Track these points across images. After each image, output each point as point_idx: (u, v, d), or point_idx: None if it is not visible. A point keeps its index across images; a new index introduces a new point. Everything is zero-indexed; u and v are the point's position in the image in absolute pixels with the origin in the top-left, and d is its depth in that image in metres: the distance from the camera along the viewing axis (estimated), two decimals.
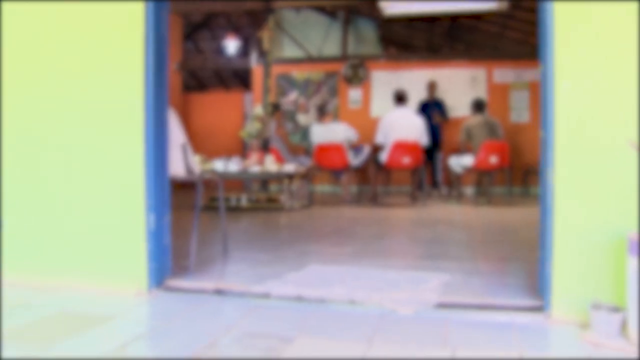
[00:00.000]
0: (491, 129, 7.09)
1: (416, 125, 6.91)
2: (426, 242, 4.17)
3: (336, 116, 11.02)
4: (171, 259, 2.93)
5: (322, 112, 7.26)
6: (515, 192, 10.17)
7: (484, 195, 7.53)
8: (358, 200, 7.61)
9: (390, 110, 7.22)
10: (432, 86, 9.69)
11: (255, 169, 6.55)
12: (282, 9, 12.73)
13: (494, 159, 6.94)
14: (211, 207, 6.62)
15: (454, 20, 10.38)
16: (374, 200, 7.26)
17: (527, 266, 3.19)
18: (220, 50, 13.11)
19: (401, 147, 6.75)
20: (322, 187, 10.80)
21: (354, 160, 7.31)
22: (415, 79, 10.22)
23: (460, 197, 7.41)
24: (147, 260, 2.74)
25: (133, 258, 2.78)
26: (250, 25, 12.81)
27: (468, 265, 3.33)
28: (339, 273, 3.06)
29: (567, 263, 2.39)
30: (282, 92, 11.35)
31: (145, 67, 2.80)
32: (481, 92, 10.58)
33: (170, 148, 3.10)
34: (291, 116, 11.22)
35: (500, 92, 10.57)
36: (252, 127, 6.93)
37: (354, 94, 11.08)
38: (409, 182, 8.08)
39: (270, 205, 6.61)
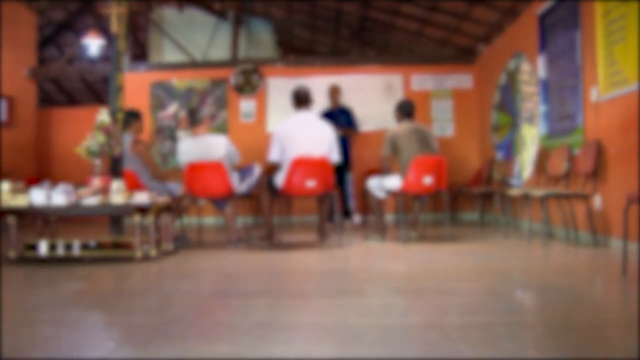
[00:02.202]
0: (423, 140, 5.36)
1: (324, 135, 5.06)
2: (356, 339, 2.26)
3: (224, 131, 9.00)
4: None
5: (193, 120, 5.23)
6: (440, 219, 8.55)
7: (413, 226, 5.76)
8: (248, 239, 5.62)
9: (288, 116, 5.32)
10: (334, 91, 7.90)
11: (92, 200, 4.44)
12: (163, 8, 10.65)
13: (428, 180, 5.19)
14: (28, 258, 4.44)
15: (364, 18, 8.71)
16: (269, 239, 5.31)
17: None
18: (85, 55, 10.78)
19: (304, 166, 4.85)
20: (209, 220, 8.71)
21: (240, 185, 5.34)
22: (319, 87, 8.45)
23: (383, 231, 5.59)
24: None
25: None
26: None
27: None
28: None
29: None
30: (160, 104, 9.22)
31: None
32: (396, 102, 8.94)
33: None
34: (170, 133, 9.10)
35: (420, 101, 8.99)
36: (94, 141, 4.81)
37: (247, 105, 9.14)
38: (315, 210, 6.18)
39: (116, 253, 4.49)
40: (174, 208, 5.48)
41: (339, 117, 7.45)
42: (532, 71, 6.65)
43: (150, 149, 6.15)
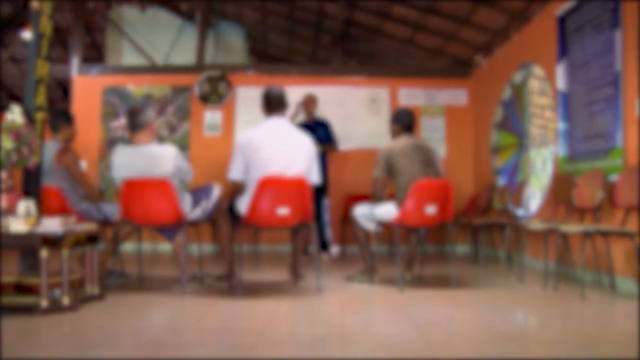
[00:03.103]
0: (426, 160, 4.29)
1: (301, 149, 3.93)
2: None
3: (185, 146, 7.86)
4: None
5: (133, 124, 4.04)
6: (430, 251, 7.48)
7: (408, 265, 4.67)
8: (203, 277, 4.47)
9: (256, 124, 4.21)
10: (309, 101, 6.80)
11: None
12: (123, 6, 9.52)
13: (431, 209, 4.12)
14: None
15: (349, 22, 7.69)
16: (229, 279, 4.17)
17: None
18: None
19: (274, 189, 3.72)
20: (165, 247, 7.50)
21: (194, 210, 4.19)
22: (296, 99, 7.41)
23: (372, 271, 4.48)
24: None
25: None
26: (78, 23, 9.39)
27: None
28: None
29: None
30: (112, 112, 8.04)
31: None
32: (382, 118, 7.93)
33: None
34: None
35: None
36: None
37: (212, 116, 8.02)
38: (287, 239, 5.02)
39: (16, 300, 3.30)
40: (111, 237, 4.33)
41: (316, 131, 6.35)
42: (547, 83, 5.67)
43: (100, 163, 4.97)
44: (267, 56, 10.30)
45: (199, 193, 4.28)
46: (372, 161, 8.01)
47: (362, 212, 4.41)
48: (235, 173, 3.91)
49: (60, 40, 10.08)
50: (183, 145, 7.86)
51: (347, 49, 8.44)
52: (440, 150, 7.95)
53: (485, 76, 7.46)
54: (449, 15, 6.59)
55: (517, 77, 6.48)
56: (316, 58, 9.60)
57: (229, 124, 7.95)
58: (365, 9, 7.23)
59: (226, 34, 9.44)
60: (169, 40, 9.03)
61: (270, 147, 3.79)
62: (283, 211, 3.73)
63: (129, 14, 9.41)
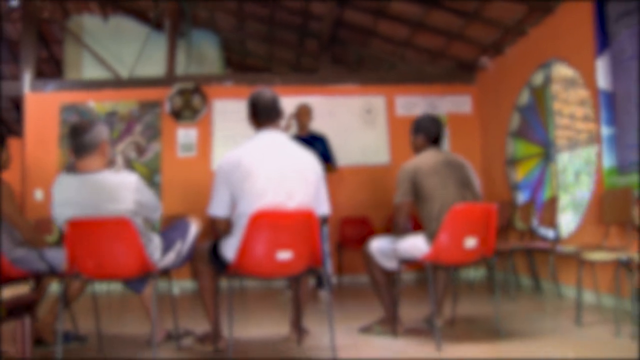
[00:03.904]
0: (461, 179, 3.37)
1: (305, 170, 2.95)
2: None
3: (156, 169, 6.89)
4: None
5: (79, 147, 3.01)
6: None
7: (438, 307, 3.71)
8: (180, 336, 3.50)
9: (241, 142, 3.26)
10: (304, 113, 5.80)
11: None
12: (83, 15, 8.54)
13: (471, 242, 3.20)
14: None
15: (339, 23, 6.81)
16: (213, 341, 3.20)
17: None
18: None
19: (272, 226, 2.76)
20: None
21: (164, 256, 3.21)
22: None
23: (395, 321, 3.53)
24: None
25: None
26: (29, 33, 8.39)
27: None
28: None
29: None
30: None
31: None
32: (378, 130, 7.06)
33: None
34: None
35: (406, 129, 7.10)
36: None
37: (186, 135, 7.06)
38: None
39: None
40: (59, 293, 3.36)
41: (312, 147, 5.40)
42: (579, 82, 4.84)
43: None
44: (245, 67, 9.38)
45: (171, 232, 3.30)
46: (369, 180, 7.19)
47: (381, 248, 3.48)
48: (218, 208, 2.93)
49: (11, 54, 9.04)
50: (153, 169, 6.87)
51: (336, 55, 7.55)
52: None
53: (494, 80, 6.63)
54: (455, 10, 5.74)
55: (537, 78, 5.65)
56: (300, 67, 8.69)
57: (205, 143, 6.99)
58: (358, 6, 6.35)
59: (199, 43, 8.51)
60: (135, 51, 8.06)
61: (265, 171, 2.82)
62: (284, 256, 2.77)
63: (89, 23, 8.44)
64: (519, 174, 6.06)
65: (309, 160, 2.98)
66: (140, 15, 8.39)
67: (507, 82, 6.23)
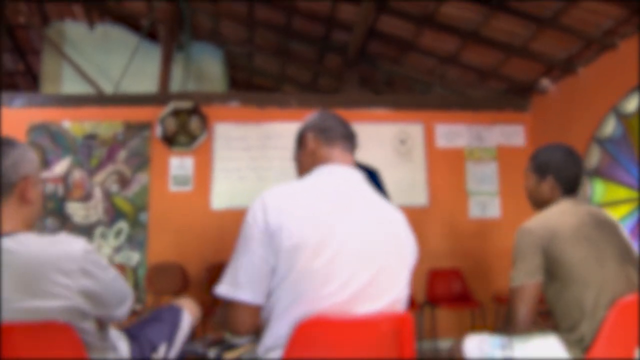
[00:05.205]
0: (620, 248, 2.10)
1: (400, 237, 1.65)
2: None
3: (142, 206, 5.64)
4: None
5: None
6: None
7: None
8: None
9: (294, 181, 1.78)
10: None
11: None
12: (65, 21, 7.35)
13: None
14: None
15: (372, 33, 5.60)
16: None
17: None
18: None
19: (336, 343, 1.49)
20: None
21: None
22: (291, 137, 5.30)
23: None
24: None
25: None
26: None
27: None
28: None
29: None
30: (41, 159, 5.75)
31: None
32: (415, 164, 5.85)
33: None
34: (57, 206, 5.62)
35: (448, 164, 5.91)
36: None
37: (180, 164, 5.80)
38: None
39: None
40: None
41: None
42: None
43: None
44: (251, 87, 8.17)
45: (150, 328, 1.99)
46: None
47: (484, 353, 2.19)
48: (245, 289, 1.51)
49: None
50: (139, 205, 5.60)
51: (362, 74, 6.34)
52: (492, 207, 5.83)
53: (557, 106, 5.42)
54: (527, 15, 4.55)
55: (629, 103, 4.44)
56: (317, 89, 7.48)
57: (204, 175, 5.72)
58: (401, 10, 5.13)
59: (199, 58, 7.31)
60: (123, 63, 6.84)
61: (333, 239, 1.52)
62: None
63: (72, 31, 7.25)
64: None
65: (401, 220, 1.70)
66: (132, 24, 7.21)
67: (580, 108, 5.03)
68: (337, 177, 1.68)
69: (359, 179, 1.70)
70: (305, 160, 1.80)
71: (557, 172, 2.22)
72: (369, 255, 1.53)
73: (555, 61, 5.08)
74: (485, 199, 5.84)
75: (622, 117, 4.54)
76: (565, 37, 4.69)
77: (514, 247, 2.12)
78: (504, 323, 2.18)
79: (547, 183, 2.23)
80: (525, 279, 2.07)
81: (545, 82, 5.57)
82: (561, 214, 2.13)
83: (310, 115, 1.84)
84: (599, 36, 4.51)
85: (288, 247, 1.46)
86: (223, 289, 1.54)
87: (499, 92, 6.01)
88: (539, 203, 2.29)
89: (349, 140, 1.78)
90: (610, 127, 4.67)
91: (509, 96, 5.98)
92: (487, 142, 5.93)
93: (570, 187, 2.22)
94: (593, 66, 4.88)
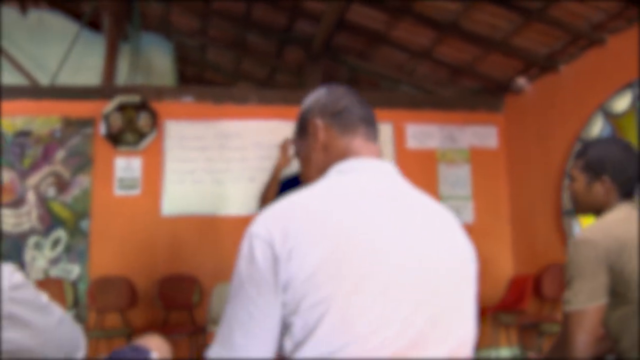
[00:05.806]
0: None
1: (464, 259, 1.23)
2: None
3: (84, 212, 5.04)
4: None
5: None
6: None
7: None
8: None
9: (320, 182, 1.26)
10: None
11: None
12: None
13: None
14: None
15: (341, 24, 5.16)
16: None
17: None
18: None
19: None
20: None
21: None
22: (251, 136, 4.91)
23: None
24: None
25: None
26: None
27: None
28: None
29: None
30: None
31: None
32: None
33: None
34: None
35: (419, 166, 5.55)
36: None
37: (127, 166, 5.22)
38: None
39: None
40: None
41: None
42: None
43: None
44: (202, 83, 7.60)
45: None
46: None
47: None
48: (254, 348, 1.00)
49: None
50: (80, 211, 4.98)
51: (326, 69, 5.90)
52: (465, 211, 5.51)
53: (534, 106, 5.15)
54: (514, 6, 4.21)
55: (619, 103, 4.18)
56: (274, 85, 6.98)
57: (153, 177, 5.15)
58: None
59: (147, 50, 6.71)
60: (61, 53, 6.17)
61: (380, 264, 1.05)
62: None
63: (4, 17, 6.52)
64: None
65: (458, 226, 1.24)
66: (70, 11, 6.54)
67: (561, 108, 4.75)
68: (371, 176, 1.19)
69: (398, 176, 1.23)
70: (317, 156, 1.29)
71: (614, 172, 1.81)
72: (431, 281, 1.06)
73: (535, 58, 4.79)
74: (459, 203, 5.50)
75: (610, 117, 4.27)
76: (550, 31, 4.39)
77: (569, 262, 1.70)
78: (555, 350, 1.75)
79: (601, 184, 1.82)
80: (587, 301, 1.65)
81: (521, 81, 5.29)
82: (626, 222, 1.73)
83: (315, 92, 1.34)
84: (587, 30, 4.22)
85: (315, 285, 0.98)
86: (214, 353, 1.04)
87: (472, 91, 5.70)
88: (589, 208, 1.88)
89: (371, 124, 1.29)
90: (597, 127, 4.40)
91: (482, 95, 5.67)
92: (460, 144, 5.61)
93: (629, 189, 1.83)
94: (576, 63, 4.61)
